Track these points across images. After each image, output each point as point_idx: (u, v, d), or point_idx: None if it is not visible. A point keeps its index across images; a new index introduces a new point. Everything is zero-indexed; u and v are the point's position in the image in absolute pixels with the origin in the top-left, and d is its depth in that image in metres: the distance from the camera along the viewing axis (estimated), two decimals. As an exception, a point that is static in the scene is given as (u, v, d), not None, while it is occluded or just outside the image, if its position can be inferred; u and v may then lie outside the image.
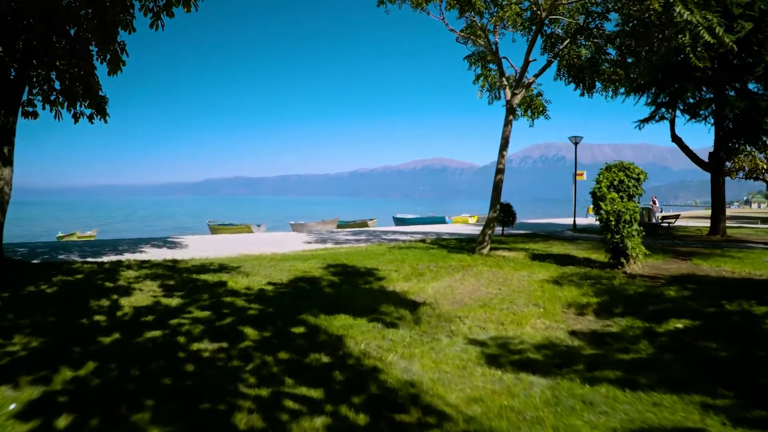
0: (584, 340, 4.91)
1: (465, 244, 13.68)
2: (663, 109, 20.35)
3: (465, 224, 34.05)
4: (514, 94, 11.64)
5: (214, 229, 27.50)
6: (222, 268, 8.72)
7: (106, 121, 11.03)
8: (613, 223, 9.46)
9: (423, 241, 14.83)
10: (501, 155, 11.36)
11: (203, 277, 7.67)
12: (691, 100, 20.62)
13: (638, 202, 10.21)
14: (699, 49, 10.50)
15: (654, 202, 30.91)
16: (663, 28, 10.22)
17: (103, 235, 29.51)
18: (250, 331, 4.62)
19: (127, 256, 10.89)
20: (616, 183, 9.82)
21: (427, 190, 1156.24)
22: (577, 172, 45.31)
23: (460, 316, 5.54)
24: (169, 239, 16.35)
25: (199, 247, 13.47)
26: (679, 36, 10.14)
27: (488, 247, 11.08)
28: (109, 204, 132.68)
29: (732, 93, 18.78)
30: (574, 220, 24.17)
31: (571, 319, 5.76)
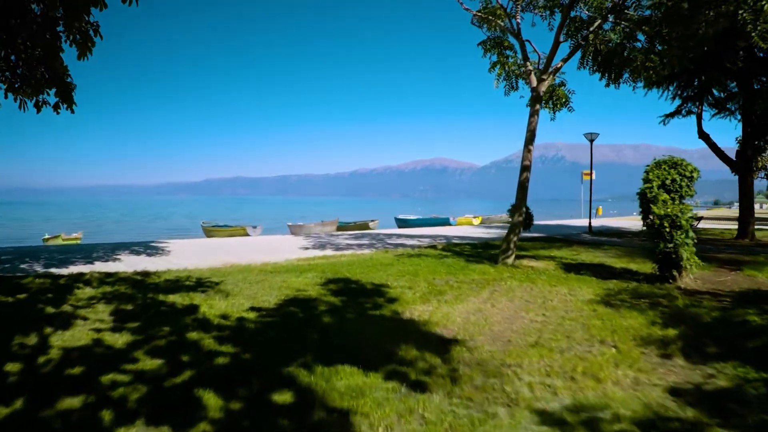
0: (697, 407, 3.39)
1: (482, 251, 12.15)
2: (690, 103, 18.83)
3: (470, 226, 32.45)
4: (541, 80, 10.13)
5: (208, 231, 25.92)
6: (199, 284, 7.19)
7: (72, 111, 9.51)
8: (667, 229, 7.95)
9: (434, 247, 13.31)
10: (527, 150, 9.84)
11: (172, 298, 6.14)
12: (720, 94, 19.15)
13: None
14: (760, 27, 8.99)
15: None
16: (719, 2, 8.74)
17: (90, 238, 27.95)
18: (210, 401, 3.10)
19: (95, 266, 9.40)
20: (668, 182, 8.30)
21: (427, 190, 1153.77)
22: (585, 171, 43.33)
23: (510, 364, 4.01)
24: (153, 244, 14.83)
25: (182, 254, 11.94)
26: (739, 11, 8.67)
27: (513, 255, 9.57)
28: (107, 204, 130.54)
29: (757, 87, 17.34)
30: (590, 222, 22.65)
31: (658, 365, 4.24)
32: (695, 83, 18.49)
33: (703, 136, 18.74)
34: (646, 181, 8.38)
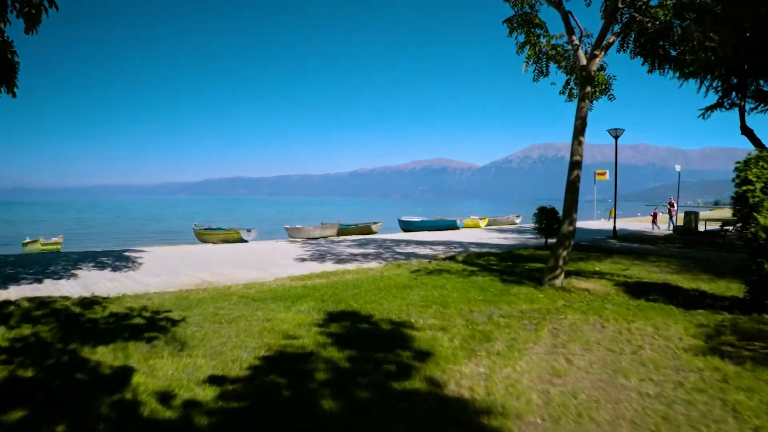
0: None
1: (513, 265, 10.15)
2: (733, 95, 16.88)
3: (478, 229, 30.22)
4: (592, 57, 8.18)
5: (200, 235, 23.86)
6: (151, 323, 5.20)
7: (14, 95, 7.59)
8: (776, 244, 5.99)
9: (453, 258, 11.31)
10: (577, 142, 7.87)
11: (100, 353, 4.17)
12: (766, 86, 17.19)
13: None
14: None
15: (672, 205, 27.13)
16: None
17: (71, 243, 25.98)
18: None
19: (42, 286, 7.51)
20: (774, 183, 6.33)
21: (427, 190, 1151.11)
22: (598, 171, 40.45)
23: None
24: (127, 253, 12.87)
25: (153, 268, 9.98)
26: None
27: (562, 275, 7.61)
28: (104, 204, 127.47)
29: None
30: (614, 227, 20.68)
31: None
32: (737, 72, 16.55)
33: (747, 131, 16.79)
34: (745, 181, 6.41)
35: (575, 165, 7.91)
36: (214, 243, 20.50)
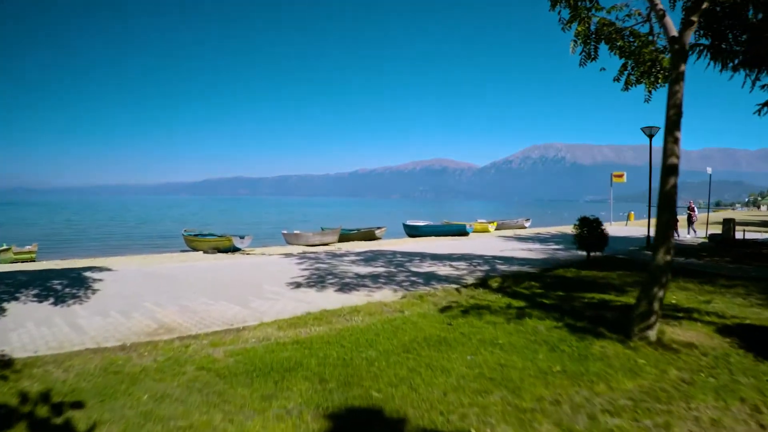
0: None
1: (566, 297, 7.87)
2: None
3: (487, 234, 28.24)
4: (688, 24, 6.03)
5: (190, 241, 21.63)
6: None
7: None
8: None
9: (485, 284, 9.08)
10: (672, 140, 5.68)
11: None
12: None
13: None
14: None
15: (692, 209, 24.83)
16: None
17: (53, 249, 23.89)
18: None
19: None
20: None
21: (427, 190, 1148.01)
22: (616, 173, 37.67)
23: None
24: (87, 273, 10.73)
25: (106, 300, 7.82)
26: None
27: (657, 324, 5.44)
28: (102, 205, 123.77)
29: None
30: (648, 236, 18.46)
31: None
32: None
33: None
34: None
35: (670, 170, 5.72)
36: (204, 250, 18.56)
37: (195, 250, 19.83)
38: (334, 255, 14.62)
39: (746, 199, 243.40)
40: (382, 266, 11.75)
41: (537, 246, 17.63)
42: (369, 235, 24.92)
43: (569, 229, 35.77)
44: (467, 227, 26.99)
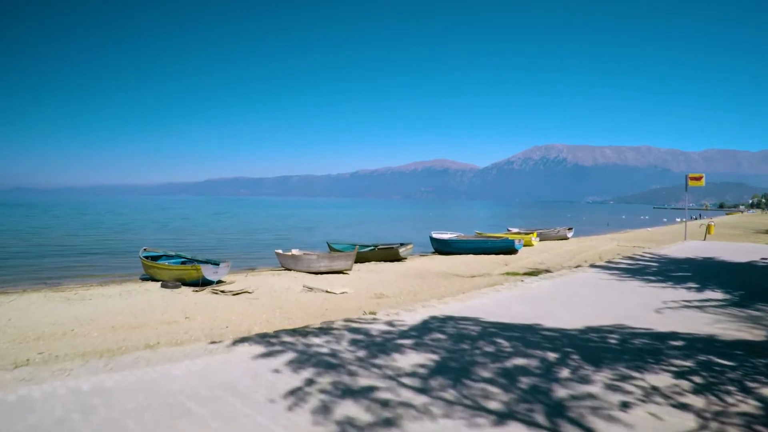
0: None
1: None
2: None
3: (533, 248, 23.71)
4: None
5: (148, 268, 14.98)
6: None
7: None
8: None
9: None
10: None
11: None
12: None
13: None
14: None
15: None
16: None
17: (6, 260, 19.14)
18: None
19: None
20: None
21: (428, 191, 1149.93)
22: (693, 175, 27.82)
23: None
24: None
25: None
26: None
27: None
28: (92, 206, 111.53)
29: None
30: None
31: None
32: None
33: None
34: None
35: None
36: (163, 282, 13.02)
37: (153, 279, 14.37)
38: (358, 328, 6.39)
39: (750, 201, 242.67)
40: (448, 380, 4.43)
41: (669, 294, 9.35)
42: (391, 255, 19.36)
43: (628, 237, 31.11)
44: (516, 243, 21.49)
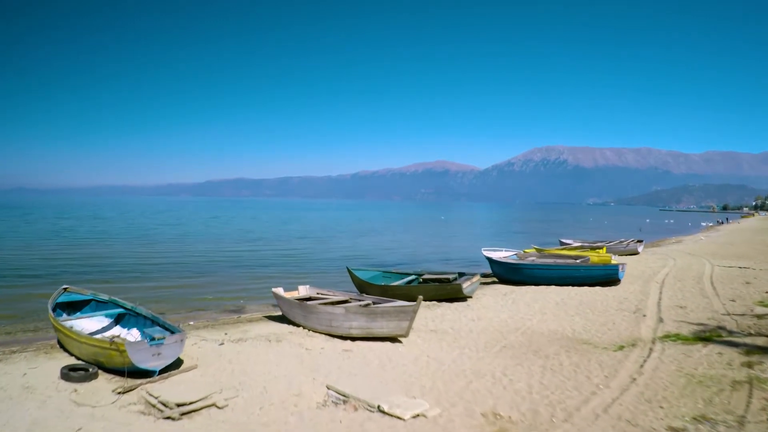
0: None
1: None
2: None
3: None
4: None
5: (58, 330, 8.13)
6: None
7: None
8: None
9: None
10: None
11: None
12: None
13: None
14: None
15: None
16: None
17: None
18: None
19: None
20: None
21: (429, 193, 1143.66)
22: None
23: None
24: None
25: None
26: None
27: None
28: (86, 207, 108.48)
29: None
30: None
31: None
32: None
33: None
34: None
35: None
36: (71, 367, 6.78)
37: (63, 348, 8.20)
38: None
39: (753, 203, 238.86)
40: None
41: None
42: (450, 292, 12.62)
43: (695, 249, 25.96)
44: (620, 270, 14.57)
